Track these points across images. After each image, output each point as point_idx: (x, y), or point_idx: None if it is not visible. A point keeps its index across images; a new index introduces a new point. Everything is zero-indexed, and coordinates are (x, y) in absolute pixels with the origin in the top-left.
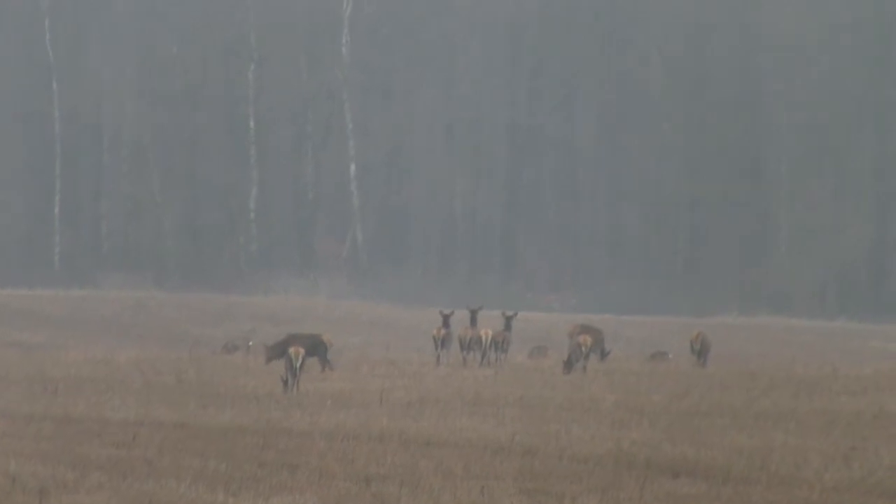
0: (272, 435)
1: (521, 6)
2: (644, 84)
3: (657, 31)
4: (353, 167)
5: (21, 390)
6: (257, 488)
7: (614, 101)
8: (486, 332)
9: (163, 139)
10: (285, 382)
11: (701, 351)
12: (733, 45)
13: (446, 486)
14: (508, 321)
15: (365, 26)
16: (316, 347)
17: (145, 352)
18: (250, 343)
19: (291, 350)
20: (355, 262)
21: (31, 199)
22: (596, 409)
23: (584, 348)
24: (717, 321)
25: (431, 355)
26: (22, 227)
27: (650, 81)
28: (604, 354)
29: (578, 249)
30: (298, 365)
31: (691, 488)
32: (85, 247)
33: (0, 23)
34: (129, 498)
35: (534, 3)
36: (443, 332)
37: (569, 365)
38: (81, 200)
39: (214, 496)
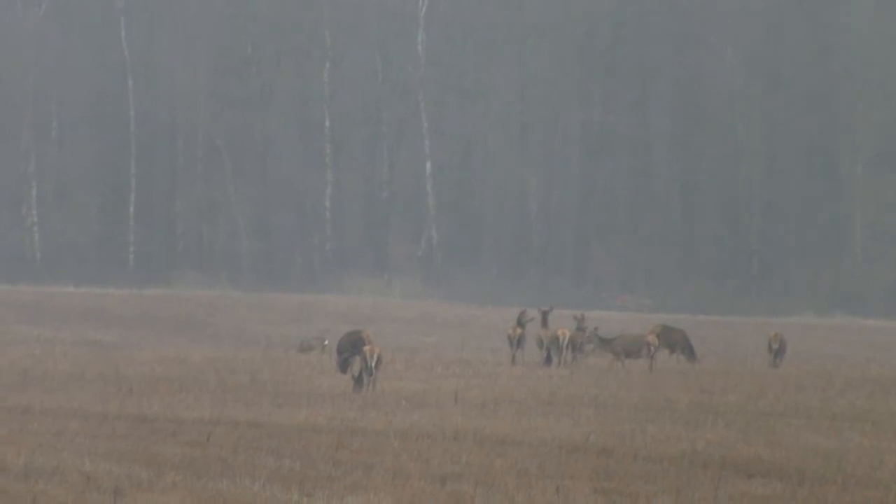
0: (347, 434)
1: (594, 6)
2: (718, 84)
3: (731, 30)
4: (428, 167)
5: (95, 389)
6: (332, 488)
7: (688, 101)
8: (564, 331)
9: (237, 139)
10: (357, 381)
11: (778, 351)
12: (808, 44)
13: (521, 485)
14: (580, 322)
15: (440, 26)
16: (355, 344)
17: (219, 351)
18: (325, 343)
19: (366, 349)
20: (429, 262)
21: (106, 199)
22: (671, 409)
23: (652, 347)
24: (791, 321)
25: (506, 355)
26: (97, 226)
27: (724, 81)
28: (691, 356)
29: (652, 250)
30: (373, 364)
31: (766, 489)
32: (159, 246)
33: (76, 23)
34: (203, 497)
35: (608, 3)
36: (518, 331)
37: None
38: (156, 200)
39: (289, 496)
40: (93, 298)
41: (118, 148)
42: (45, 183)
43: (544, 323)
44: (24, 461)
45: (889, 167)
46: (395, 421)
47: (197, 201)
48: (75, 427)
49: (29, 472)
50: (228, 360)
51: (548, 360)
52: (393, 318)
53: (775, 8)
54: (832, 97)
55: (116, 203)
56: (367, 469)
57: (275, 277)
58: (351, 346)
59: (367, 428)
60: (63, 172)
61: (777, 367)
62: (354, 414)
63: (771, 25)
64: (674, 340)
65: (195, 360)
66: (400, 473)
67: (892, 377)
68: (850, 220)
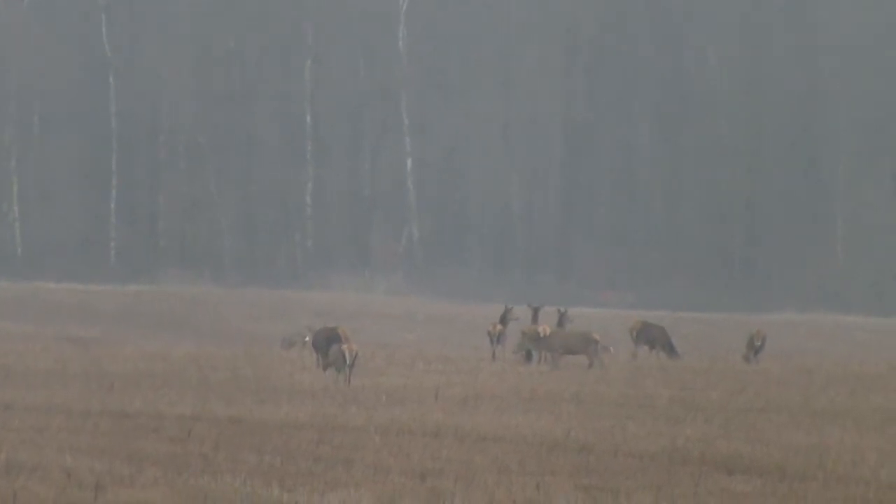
0: (328, 430)
1: (578, 5)
2: (701, 83)
3: (715, 30)
4: (409, 164)
5: (77, 386)
6: (313, 483)
7: (671, 100)
8: (545, 328)
9: (219, 135)
10: (325, 368)
11: (760, 348)
12: (791, 44)
13: (501, 481)
14: (562, 318)
15: (422, 23)
16: (330, 340)
17: (201, 347)
18: (306, 339)
19: (345, 346)
20: (411, 258)
21: (88, 195)
22: (651, 406)
23: (598, 345)
24: (773, 318)
25: (487, 351)
26: (79, 222)
27: (707, 80)
28: (672, 353)
29: (635, 247)
30: (350, 360)
31: (746, 485)
32: (141, 243)
33: (57, 19)
34: (184, 493)
35: (591, 3)
36: (498, 328)
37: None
38: (138, 196)
39: (270, 491)
40: (75, 295)
41: (100, 144)
42: (26, 179)
43: (535, 319)
44: (6, 457)
45: (870, 165)
46: (375, 417)
47: (179, 198)
48: (57, 423)
49: (10, 468)
50: (210, 356)
51: (528, 357)
52: (376, 314)
53: (758, 8)
54: (814, 97)
55: (98, 199)
56: (347, 465)
57: (257, 274)
58: (326, 343)
59: (347, 424)
60: (45, 168)
61: (756, 363)
62: (335, 410)
63: (754, 25)
64: (653, 337)
65: (177, 356)
66: (380, 469)
67: (872, 374)
68: (832, 217)
